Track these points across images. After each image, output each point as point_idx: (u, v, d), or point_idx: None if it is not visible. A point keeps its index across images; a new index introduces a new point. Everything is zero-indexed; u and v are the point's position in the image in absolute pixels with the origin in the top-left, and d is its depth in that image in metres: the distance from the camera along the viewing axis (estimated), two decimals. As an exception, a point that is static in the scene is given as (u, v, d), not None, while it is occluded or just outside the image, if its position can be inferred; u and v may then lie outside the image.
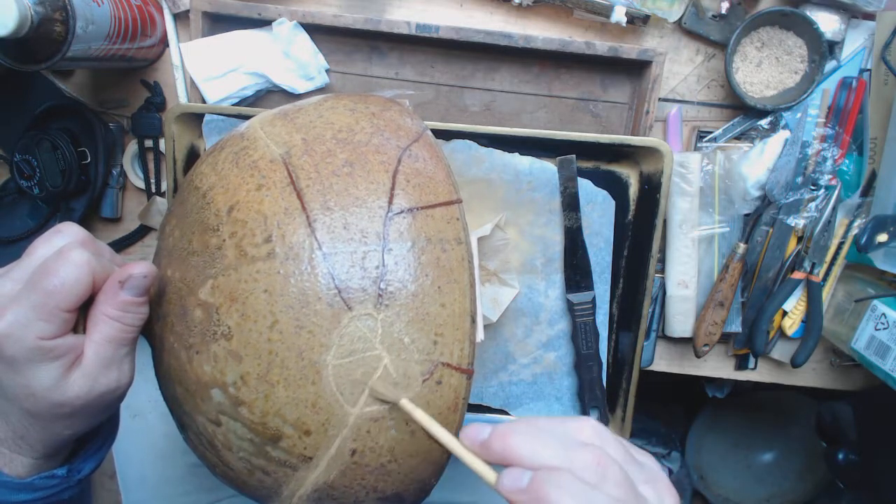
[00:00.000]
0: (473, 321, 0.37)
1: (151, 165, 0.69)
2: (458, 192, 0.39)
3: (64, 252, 0.33)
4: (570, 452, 0.29)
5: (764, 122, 0.67)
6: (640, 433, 1.22)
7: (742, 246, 0.66)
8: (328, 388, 0.34)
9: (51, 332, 0.33)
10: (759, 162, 0.65)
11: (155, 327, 0.38)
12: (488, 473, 0.29)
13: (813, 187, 0.67)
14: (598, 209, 0.64)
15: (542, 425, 0.30)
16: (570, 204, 0.62)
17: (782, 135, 0.65)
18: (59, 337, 0.33)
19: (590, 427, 0.31)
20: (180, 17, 0.66)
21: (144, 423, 0.71)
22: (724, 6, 0.65)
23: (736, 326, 0.69)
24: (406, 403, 0.34)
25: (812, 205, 0.67)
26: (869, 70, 0.67)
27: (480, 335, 0.56)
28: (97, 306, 0.35)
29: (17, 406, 0.34)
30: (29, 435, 0.35)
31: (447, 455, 0.38)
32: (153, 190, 0.69)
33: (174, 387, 0.38)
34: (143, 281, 0.35)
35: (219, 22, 0.64)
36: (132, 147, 0.68)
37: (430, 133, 0.42)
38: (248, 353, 0.34)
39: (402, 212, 0.36)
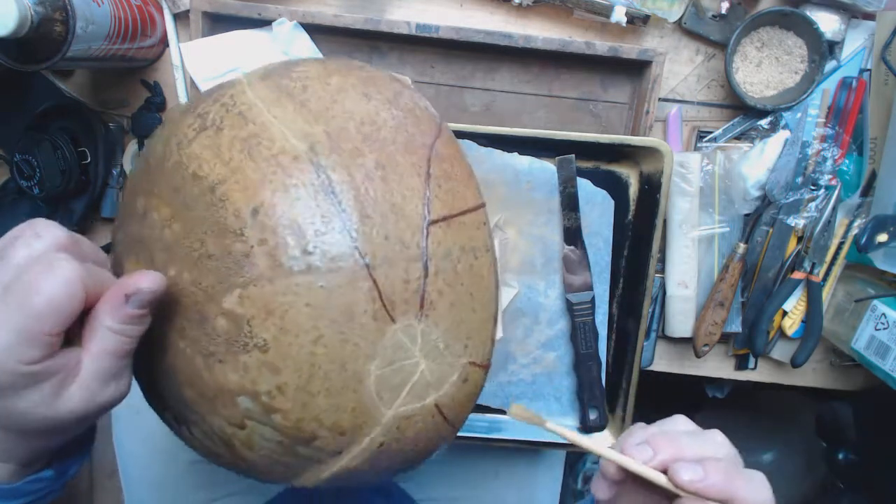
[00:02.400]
0: (495, 322, 0.39)
1: (151, 165, 0.69)
2: (482, 195, 0.40)
3: (52, 264, 0.30)
4: (707, 439, 0.37)
5: (764, 122, 0.67)
6: (640, 433, 1.22)
7: (742, 246, 0.66)
8: (368, 394, 0.34)
9: (37, 357, 0.29)
10: (759, 162, 0.65)
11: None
12: (659, 476, 0.35)
13: (813, 187, 0.67)
14: (597, 209, 0.64)
15: (669, 429, 0.38)
16: (570, 204, 0.62)
17: (782, 135, 0.65)
18: (48, 359, 0.30)
19: (685, 419, 0.39)
20: (180, 17, 0.66)
21: (145, 420, 0.71)
22: (724, 6, 0.65)
23: (736, 326, 0.69)
24: (553, 426, 0.38)
25: (812, 205, 0.67)
26: (869, 70, 0.66)
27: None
28: (98, 318, 0.32)
29: (1, 424, 0.32)
30: (14, 448, 0.34)
31: (455, 432, 0.40)
32: (153, 190, 0.69)
33: (178, 388, 0.37)
34: (152, 295, 0.32)
35: (219, 22, 0.64)
36: (132, 147, 0.68)
37: (446, 125, 0.42)
38: (286, 366, 0.33)
39: (437, 220, 0.36)
